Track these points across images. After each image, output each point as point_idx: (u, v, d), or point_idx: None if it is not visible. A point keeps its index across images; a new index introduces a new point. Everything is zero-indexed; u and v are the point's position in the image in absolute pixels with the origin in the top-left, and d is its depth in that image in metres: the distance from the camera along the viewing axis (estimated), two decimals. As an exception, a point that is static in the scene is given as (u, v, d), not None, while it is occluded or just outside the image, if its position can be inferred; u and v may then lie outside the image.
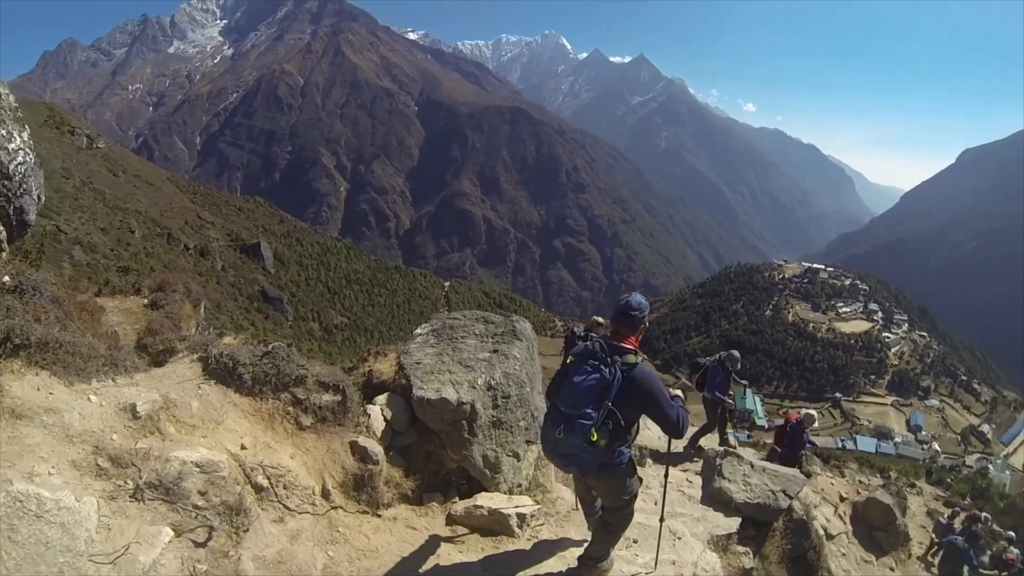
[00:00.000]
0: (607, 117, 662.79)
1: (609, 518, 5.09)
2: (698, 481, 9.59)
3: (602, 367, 4.32)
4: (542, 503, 6.66)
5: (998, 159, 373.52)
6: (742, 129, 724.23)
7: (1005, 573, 15.24)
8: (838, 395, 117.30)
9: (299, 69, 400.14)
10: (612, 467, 4.60)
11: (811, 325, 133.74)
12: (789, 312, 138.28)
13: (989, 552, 16.08)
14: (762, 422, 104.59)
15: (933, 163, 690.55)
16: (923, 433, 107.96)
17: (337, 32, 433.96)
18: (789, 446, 13.46)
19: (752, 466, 9.29)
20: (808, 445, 13.86)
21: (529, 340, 7.68)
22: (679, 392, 4.99)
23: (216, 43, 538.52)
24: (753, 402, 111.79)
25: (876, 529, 15.18)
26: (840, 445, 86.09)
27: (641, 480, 5.12)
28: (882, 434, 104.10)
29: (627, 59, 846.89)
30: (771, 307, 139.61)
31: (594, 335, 4.80)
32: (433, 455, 6.40)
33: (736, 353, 12.56)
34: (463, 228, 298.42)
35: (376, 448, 5.79)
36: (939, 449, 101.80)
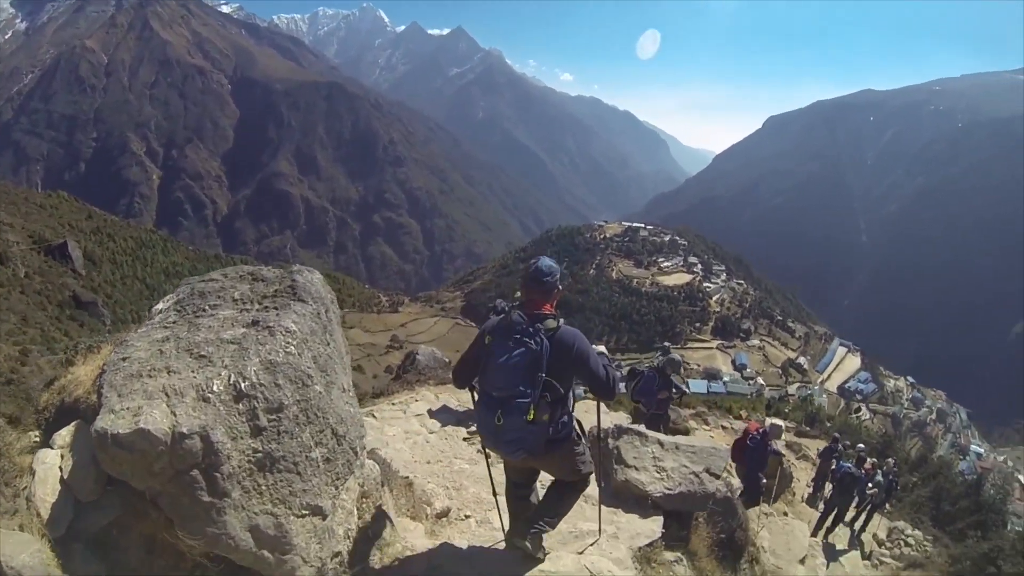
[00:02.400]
0: (425, 90, 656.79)
1: (568, 489, 4.74)
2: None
3: (526, 339, 3.95)
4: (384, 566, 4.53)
5: (800, 124, 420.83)
6: (560, 97, 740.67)
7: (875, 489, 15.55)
8: (667, 344, 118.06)
9: (102, 45, 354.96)
10: (560, 441, 4.29)
11: (635, 280, 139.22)
12: (613, 270, 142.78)
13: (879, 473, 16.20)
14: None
15: (742, 128, 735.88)
16: (748, 371, 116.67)
17: (144, 4, 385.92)
18: (750, 465, 11.66)
19: (661, 444, 7.46)
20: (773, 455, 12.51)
21: (319, 302, 4.42)
22: (603, 348, 4.98)
23: (6, 16, 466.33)
24: None
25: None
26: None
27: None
28: (711, 375, 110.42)
29: (445, 31, 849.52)
30: (595, 266, 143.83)
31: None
32: (159, 541, 3.33)
33: (677, 357, 11.98)
34: (282, 210, 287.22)
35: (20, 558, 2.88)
36: (764, 383, 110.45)
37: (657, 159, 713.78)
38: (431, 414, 10.39)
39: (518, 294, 7.59)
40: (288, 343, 3.72)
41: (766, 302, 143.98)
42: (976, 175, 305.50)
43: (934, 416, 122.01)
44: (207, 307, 4.10)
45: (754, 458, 11.54)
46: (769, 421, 12.04)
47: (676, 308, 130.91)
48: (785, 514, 13.57)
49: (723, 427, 19.87)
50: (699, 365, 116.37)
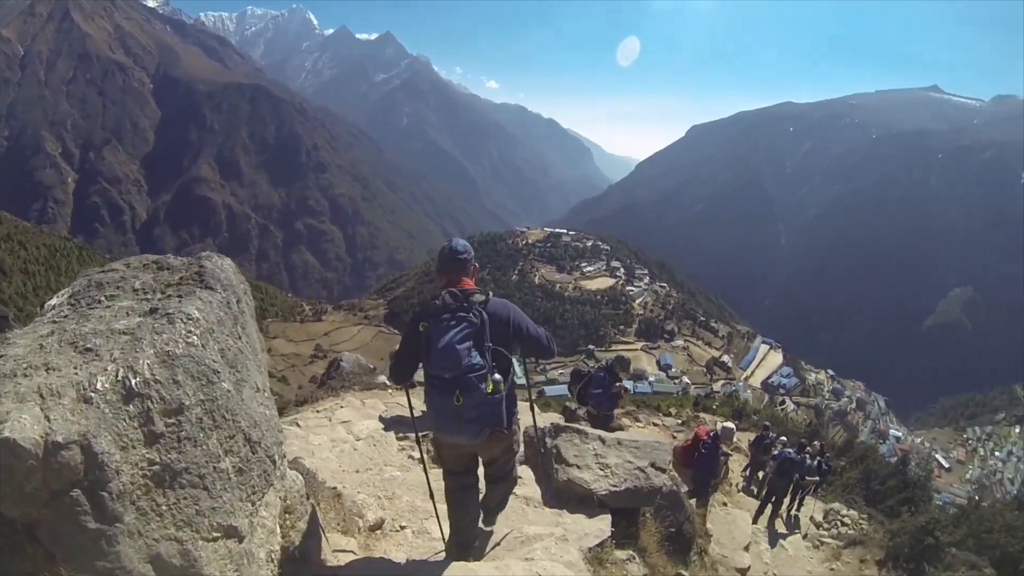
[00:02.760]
0: (350, 94, 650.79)
1: (501, 472, 4.87)
2: (529, 476, 7.44)
3: (462, 314, 3.99)
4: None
5: (722, 134, 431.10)
6: (484, 105, 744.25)
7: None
8: (591, 347, 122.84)
9: (19, 36, 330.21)
10: (513, 415, 4.41)
11: (558, 285, 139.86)
12: (535, 275, 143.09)
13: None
14: (522, 381, 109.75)
15: (665, 137, 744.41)
16: (673, 370, 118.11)
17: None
18: (701, 471, 11.27)
19: (603, 441, 7.22)
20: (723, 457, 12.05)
21: (230, 290, 3.84)
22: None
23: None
24: (512, 364, 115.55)
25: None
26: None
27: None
28: (637, 376, 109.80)
29: (374, 36, 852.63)
30: (517, 272, 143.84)
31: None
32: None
33: (626, 357, 11.39)
34: (203, 217, 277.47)
35: None
36: (689, 381, 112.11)
37: (580, 166, 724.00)
38: (386, 423, 9.58)
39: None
40: (190, 332, 3.06)
41: (689, 304, 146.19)
42: (888, 184, 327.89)
43: (854, 405, 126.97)
44: (103, 298, 3.36)
45: (706, 464, 11.21)
46: (720, 424, 11.59)
47: (599, 311, 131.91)
48: (724, 504, 13.60)
49: (654, 424, 19.91)
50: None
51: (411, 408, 4.92)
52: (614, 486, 6.50)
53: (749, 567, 10.69)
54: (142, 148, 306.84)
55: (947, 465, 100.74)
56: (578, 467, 6.72)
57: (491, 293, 4.16)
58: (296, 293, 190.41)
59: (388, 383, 12.49)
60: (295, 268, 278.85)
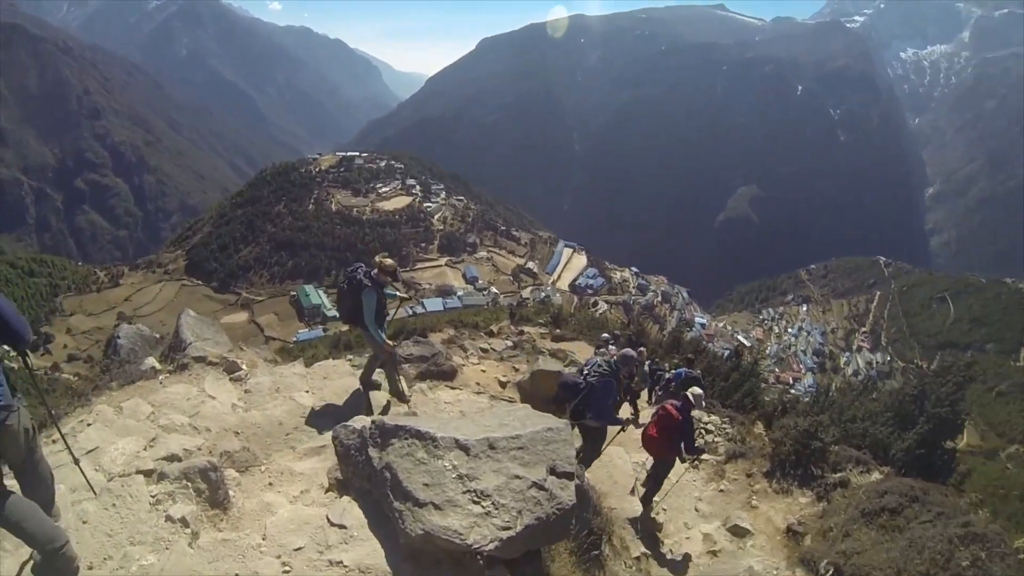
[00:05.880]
0: (120, 26, 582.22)
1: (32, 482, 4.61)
2: (356, 518, 5.43)
3: None
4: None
5: (513, 46, 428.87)
6: (268, 28, 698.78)
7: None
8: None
9: None
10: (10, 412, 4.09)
11: (355, 210, 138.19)
12: (332, 202, 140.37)
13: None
14: (332, 313, 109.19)
15: (456, 52, 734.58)
16: (480, 282, 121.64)
17: None
18: (674, 443, 9.13)
19: (463, 448, 5.03)
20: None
21: None
22: None
23: None
24: (318, 296, 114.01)
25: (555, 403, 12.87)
26: (412, 313, 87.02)
27: None
28: (445, 292, 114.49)
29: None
30: (312, 201, 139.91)
31: None
32: None
33: (631, 352, 9.56)
34: None
35: None
36: (497, 291, 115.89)
37: (369, 86, 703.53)
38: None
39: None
40: None
41: (488, 215, 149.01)
42: (677, 92, 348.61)
43: (659, 299, 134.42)
44: None
45: (678, 433, 9.06)
46: (685, 390, 9.60)
47: (400, 231, 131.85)
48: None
49: (482, 350, 17.64)
50: (431, 284, 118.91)
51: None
52: (506, 528, 4.55)
53: (641, 516, 9.63)
54: None
55: (748, 344, 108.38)
56: (436, 506, 4.67)
57: None
58: (88, 260, 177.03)
59: (158, 368, 9.82)
60: (82, 232, 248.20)
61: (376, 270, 8.42)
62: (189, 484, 5.72)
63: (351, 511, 5.42)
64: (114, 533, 5.27)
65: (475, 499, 4.66)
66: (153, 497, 5.66)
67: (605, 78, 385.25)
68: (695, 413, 9.99)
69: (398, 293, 9.19)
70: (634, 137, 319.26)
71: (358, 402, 9.14)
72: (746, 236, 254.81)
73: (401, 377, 9.82)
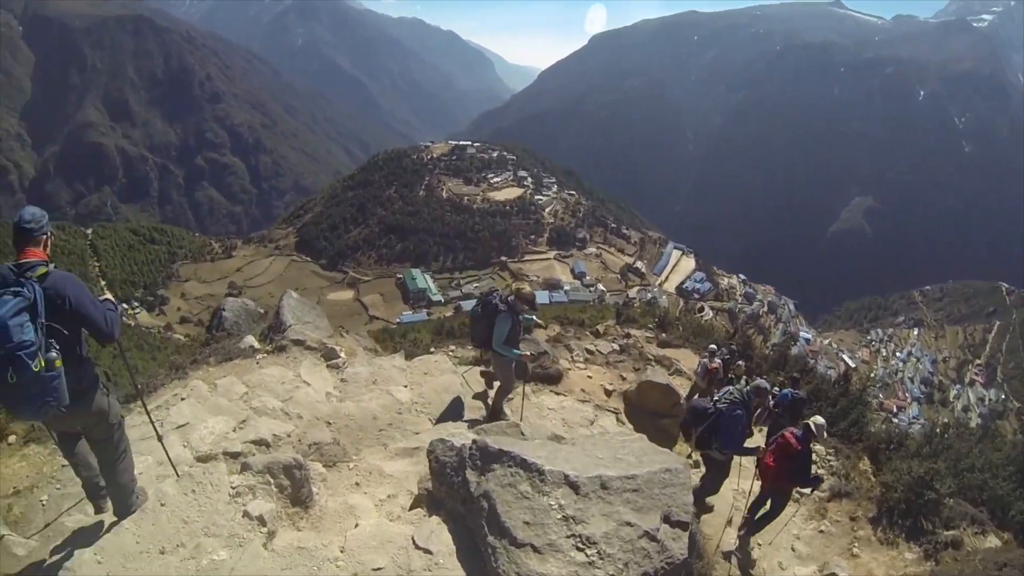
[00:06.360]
0: (240, 18, 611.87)
1: (110, 449, 4.78)
2: (445, 544, 4.90)
3: (18, 289, 3.85)
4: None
5: (624, 42, 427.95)
6: (380, 20, 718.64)
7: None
8: (504, 258, 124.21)
9: None
10: (84, 393, 4.33)
11: (466, 198, 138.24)
12: (443, 189, 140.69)
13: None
14: (438, 298, 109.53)
15: (568, 46, 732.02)
16: (588, 278, 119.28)
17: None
18: (789, 477, 8.45)
19: (572, 485, 4.46)
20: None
21: None
22: (110, 296, 4.61)
23: None
24: (424, 280, 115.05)
25: (660, 416, 12.05)
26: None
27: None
28: (552, 285, 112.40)
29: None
30: (424, 187, 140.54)
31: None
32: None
33: (765, 384, 8.70)
34: (97, 164, 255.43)
35: None
36: (604, 288, 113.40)
37: (482, 78, 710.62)
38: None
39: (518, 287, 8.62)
40: None
41: (599, 211, 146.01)
42: (792, 94, 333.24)
43: (765, 309, 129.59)
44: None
45: (797, 467, 8.33)
46: (811, 420, 8.43)
47: (510, 222, 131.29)
48: (689, 456, 10.94)
49: (587, 352, 16.56)
50: (539, 276, 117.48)
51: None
52: None
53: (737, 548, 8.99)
54: (19, 99, 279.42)
55: (853, 365, 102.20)
56: (535, 548, 4.08)
57: (53, 266, 4.05)
58: (204, 231, 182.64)
59: (257, 347, 9.91)
60: (200, 206, 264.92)
61: (513, 296, 8.34)
62: (272, 480, 5.52)
63: (439, 535, 4.91)
64: (190, 521, 5.13)
65: (580, 545, 4.11)
66: (234, 489, 5.47)
67: (719, 77, 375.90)
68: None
69: (534, 318, 9.25)
70: (747, 139, 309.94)
71: (458, 404, 8.92)
72: (859, 249, 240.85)
73: (512, 398, 9.14)
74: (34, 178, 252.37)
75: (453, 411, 8.63)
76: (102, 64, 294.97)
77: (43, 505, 5.52)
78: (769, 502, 8.97)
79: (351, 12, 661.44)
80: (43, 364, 3.66)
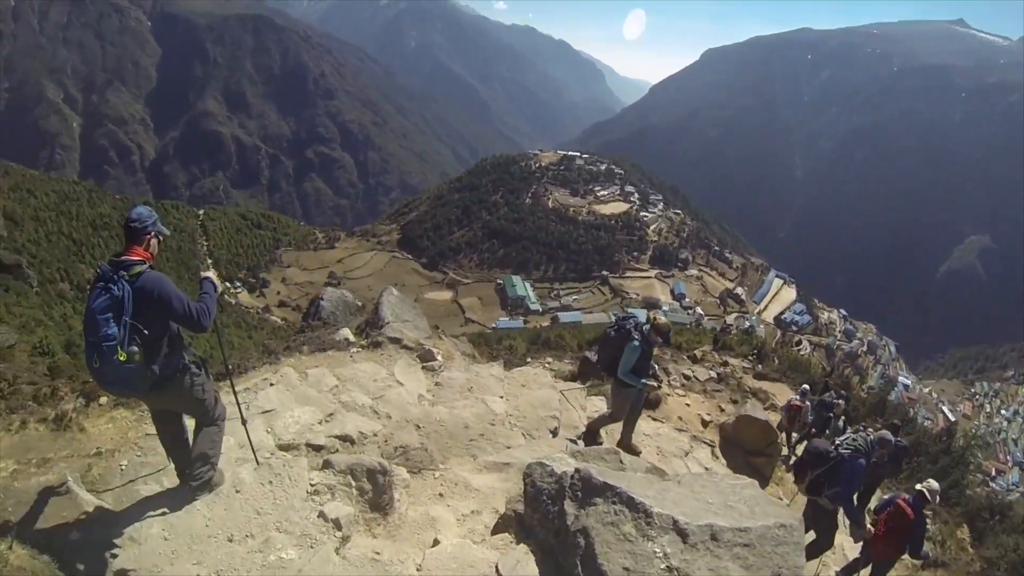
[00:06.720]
0: (355, 20, 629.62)
1: (207, 425, 5.02)
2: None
3: (110, 286, 4.14)
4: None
5: (737, 59, 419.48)
6: (493, 26, 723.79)
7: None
8: (605, 273, 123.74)
9: None
10: (168, 379, 4.54)
11: (571, 209, 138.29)
12: (549, 199, 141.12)
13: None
14: (536, 306, 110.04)
15: (679, 60, 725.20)
16: (687, 300, 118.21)
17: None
18: (899, 547, 7.91)
19: (680, 532, 4.05)
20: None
21: None
22: (211, 274, 4.85)
23: None
24: (524, 288, 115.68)
25: (754, 455, 11.59)
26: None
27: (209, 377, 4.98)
28: (650, 304, 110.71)
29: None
30: (530, 195, 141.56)
31: None
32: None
33: (889, 436, 8.14)
34: (212, 151, 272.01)
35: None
36: (702, 312, 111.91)
37: (593, 89, 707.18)
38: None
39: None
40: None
41: (703, 232, 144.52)
42: (908, 119, 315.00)
43: (865, 348, 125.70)
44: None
45: (910, 535, 7.75)
46: (926, 484, 8.07)
47: (614, 237, 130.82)
48: (781, 497, 10.73)
49: (684, 377, 16.17)
50: (638, 294, 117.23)
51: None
52: None
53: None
54: (146, 87, 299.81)
55: (953, 419, 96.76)
56: None
57: (149, 267, 4.27)
58: (309, 222, 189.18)
59: (352, 340, 9.90)
60: (307, 197, 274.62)
61: (649, 326, 8.21)
62: (353, 482, 5.40)
63: (526, 565, 4.50)
64: (263, 512, 5.07)
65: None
66: (312, 486, 5.37)
67: (832, 99, 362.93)
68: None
69: (647, 382, 8.38)
70: (858, 166, 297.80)
71: (553, 422, 8.59)
72: (970, 293, 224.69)
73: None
74: (154, 159, 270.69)
75: (547, 428, 8.38)
76: (223, 59, 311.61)
77: (122, 470, 5.59)
78: (871, 567, 8.50)
79: (465, 17, 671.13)
80: (124, 357, 3.97)
